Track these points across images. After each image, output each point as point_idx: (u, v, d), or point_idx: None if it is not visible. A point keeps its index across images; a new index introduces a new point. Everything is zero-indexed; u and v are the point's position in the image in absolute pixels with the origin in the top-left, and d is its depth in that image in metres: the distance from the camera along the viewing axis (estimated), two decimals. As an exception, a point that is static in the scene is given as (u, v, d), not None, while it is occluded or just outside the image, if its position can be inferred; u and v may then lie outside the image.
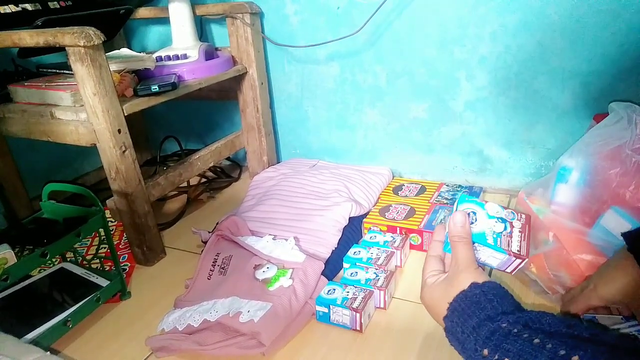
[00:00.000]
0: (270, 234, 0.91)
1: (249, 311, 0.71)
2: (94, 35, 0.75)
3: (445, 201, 1.02)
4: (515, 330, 0.43)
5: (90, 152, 1.11)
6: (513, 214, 0.56)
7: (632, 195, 0.67)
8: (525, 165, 1.08)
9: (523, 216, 0.56)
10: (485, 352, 0.43)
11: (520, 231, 0.55)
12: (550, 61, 0.96)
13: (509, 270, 0.55)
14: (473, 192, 1.05)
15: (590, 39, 0.91)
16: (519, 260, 0.54)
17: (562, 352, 0.39)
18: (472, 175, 1.14)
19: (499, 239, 0.54)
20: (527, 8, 0.93)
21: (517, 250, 0.53)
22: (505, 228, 0.55)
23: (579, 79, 0.95)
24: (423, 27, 1.04)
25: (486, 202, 0.57)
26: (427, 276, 0.56)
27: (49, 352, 0.58)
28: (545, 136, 1.03)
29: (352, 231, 0.96)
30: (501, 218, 0.56)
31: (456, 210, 0.57)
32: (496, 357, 0.42)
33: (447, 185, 1.11)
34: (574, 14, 0.90)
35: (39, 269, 0.88)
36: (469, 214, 0.56)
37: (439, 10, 1.01)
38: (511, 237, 0.55)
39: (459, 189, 1.08)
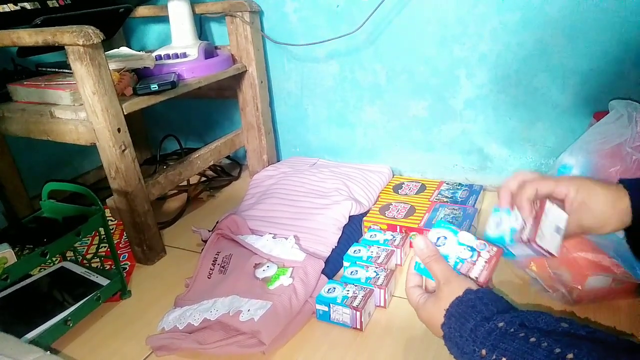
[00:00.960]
0: (270, 233, 0.91)
1: (249, 310, 0.71)
2: (93, 34, 0.75)
3: (445, 199, 1.02)
4: (512, 329, 0.43)
5: (89, 151, 1.11)
6: (485, 245, 0.57)
7: (632, 193, 0.67)
8: (525, 163, 1.08)
9: (494, 249, 0.57)
10: (483, 352, 0.43)
11: (486, 261, 0.56)
12: (550, 59, 0.95)
13: None
14: (473, 191, 1.05)
15: (590, 36, 0.91)
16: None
17: (558, 350, 0.39)
18: (472, 173, 1.14)
19: (460, 264, 0.56)
20: (528, 6, 0.93)
21: (475, 277, 0.55)
22: (472, 256, 0.56)
23: (579, 76, 0.95)
24: (423, 25, 1.04)
25: (460, 230, 0.59)
26: (418, 300, 0.57)
27: (48, 352, 0.58)
28: (545, 134, 1.03)
29: (352, 230, 0.96)
30: (471, 247, 0.57)
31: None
32: (494, 356, 0.42)
33: (447, 184, 1.11)
34: (575, 11, 0.90)
35: (39, 268, 0.87)
36: (438, 237, 0.58)
37: (439, 8, 1.00)
38: (474, 264, 0.56)
39: (459, 187, 1.08)
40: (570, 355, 0.38)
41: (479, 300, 0.48)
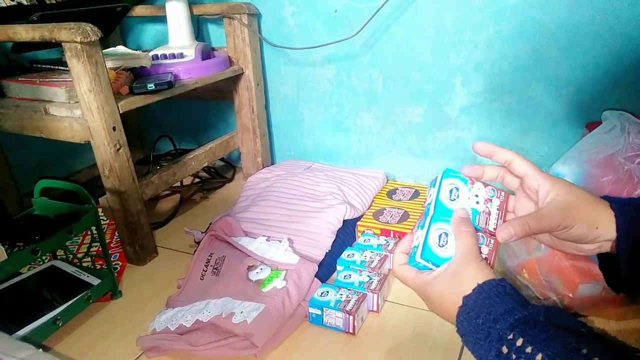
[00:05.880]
0: (264, 235, 0.91)
1: (242, 312, 0.71)
2: (91, 32, 0.74)
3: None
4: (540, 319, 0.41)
5: (82, 149, 1.10)
6: (493, 190, 0.54)
7: (624, 202, 0.68)
8: (518, 172, 1.08)
9: (502, 194, 0.54)
10: (510, 336, 0.41)
11: (497, 209, 0.53)
12: (544, 69, 0.97)
13: (485, 251, 0.50)
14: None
15: (584, 48, 0.92)
16: (493, 239, 0.51)
17: (584, 351, 0.37)
18: (466, 180, 1.15)
19: (477, 216, 0.51)
20: (523, 16, 0.94)
21: (494, 229, 0.51)
22: (485, 206, 0.52)
23: (572, 87, 0.96)
24: (420, 32, 1.04)
25: (469, 177, 0.54)
26: (420, 275, 0.50)
27: (41, 349, 0.57)
28: (538, 143, 1.04)
29: (346, 234, 0.96)
30: (482, 195, 0.53)
31: (439, 184, 0.53)
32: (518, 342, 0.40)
33: (440, 190, 1.11)
34: (570, 23, 0.91)
35: (29, 266, 0.86)
36: (451, 190, 0.53)
37: (436, 15, 1.01)
38: (489, 215, 0.52)
39: (452, 194, 1.08)
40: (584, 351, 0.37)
41: (504, 290, 0.45)
